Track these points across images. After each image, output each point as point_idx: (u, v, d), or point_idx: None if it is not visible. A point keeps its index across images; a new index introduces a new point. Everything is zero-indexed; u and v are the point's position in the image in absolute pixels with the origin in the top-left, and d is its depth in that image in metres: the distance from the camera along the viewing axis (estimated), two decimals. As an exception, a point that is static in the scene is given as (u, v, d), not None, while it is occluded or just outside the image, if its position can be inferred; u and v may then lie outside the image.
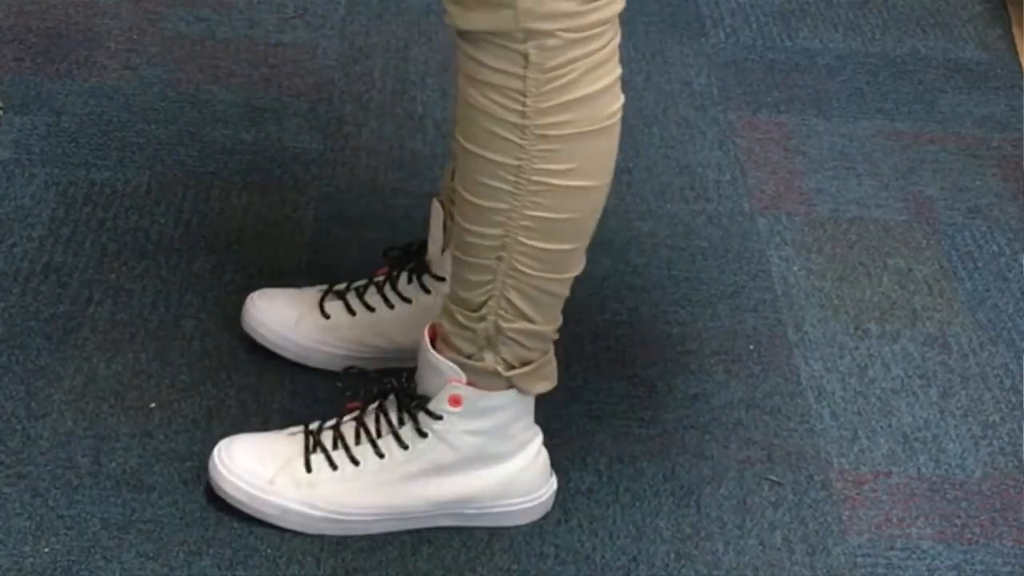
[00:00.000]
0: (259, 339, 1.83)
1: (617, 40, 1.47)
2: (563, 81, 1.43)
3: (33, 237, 2.01)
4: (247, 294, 1.87)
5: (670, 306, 1.99)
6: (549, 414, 1.70)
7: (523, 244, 1.50)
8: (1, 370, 1.81)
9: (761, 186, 2.22)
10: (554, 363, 1.62)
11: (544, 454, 1.67)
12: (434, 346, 1.60)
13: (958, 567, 1.68)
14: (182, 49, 2.41)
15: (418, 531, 1.65)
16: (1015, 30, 2.62)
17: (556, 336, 1.60)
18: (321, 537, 1.64)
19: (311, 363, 1.81)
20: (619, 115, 1.49)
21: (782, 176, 2.25)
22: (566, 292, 1.57)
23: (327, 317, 1.81)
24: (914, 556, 1.68)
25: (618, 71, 1.48)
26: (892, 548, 1.69)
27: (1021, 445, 1.83)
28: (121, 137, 2.21)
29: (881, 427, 1.84)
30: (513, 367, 1.58)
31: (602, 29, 1.43)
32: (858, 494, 1.75)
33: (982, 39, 2.61)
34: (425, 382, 1.61)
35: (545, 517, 1.69)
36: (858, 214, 2.19)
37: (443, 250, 1.74)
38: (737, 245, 2.11)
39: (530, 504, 1.67)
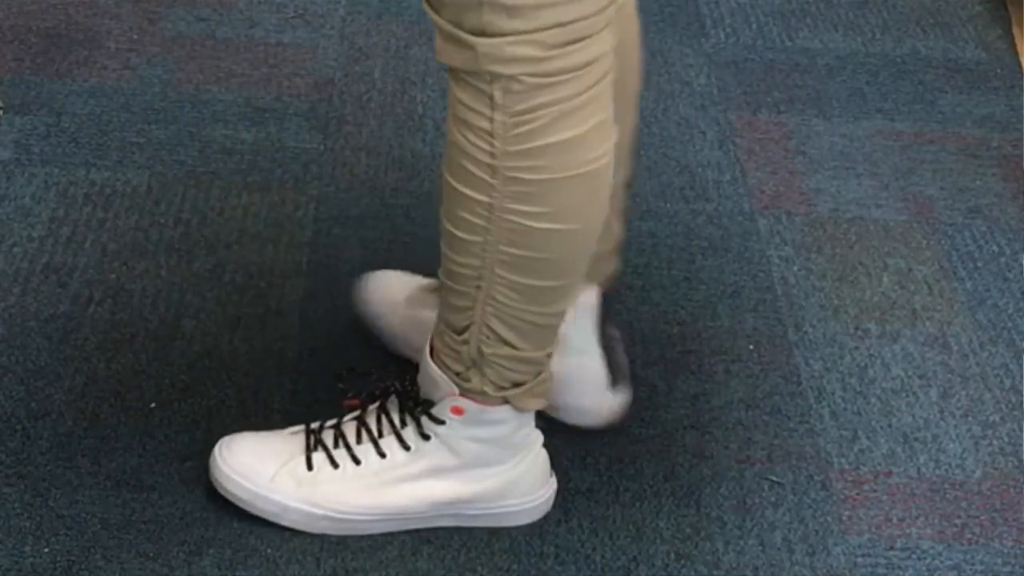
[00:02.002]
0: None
1: (600, 87, 1.42)
2: (530, 127, 1.40)
3: (33, 237, 2.01)
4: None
5: (670, 306, 1.99)
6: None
7: (501, 276, 1.49)
8: (1, 370, 1.81)
9: (761, 186, 2.22)
10: (548, 382, 1.61)
11: (544, 455, 1.67)
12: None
13: (958, 567, 1.68)
14: (182, 49, 2.41)
15: (418, 531, 1.65)
16: (1015, 30, 2.62)
17: (549, 359, 1.59)
18: (321, 537, 1.64)
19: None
20: (605, 159, 1.45)
21: (782, 176, 2.25)
22: (555, 323, 1.55)
23: None
24: (914, 556, 1.68)
25: (600, 116, 1.43)
26: (892, 548, 1.69)
27: (1021, 445, 1.83)
28: (121, 137, 2.21)
29: (881, 427, 1.84)
30: (503, 387, 1.57)
31: (571, 76, 1.39)
32: (858, 494, 1.75)
33: (982, 39, 2.61)
34: (427, 389, 1.61)
35: (545, 517, 1.69)
36: (858, 214, 2.19)
37: None
38: (737, 245, 2.11)
39: (531, 504, 1.67)
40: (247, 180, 2.14)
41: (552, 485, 1.69)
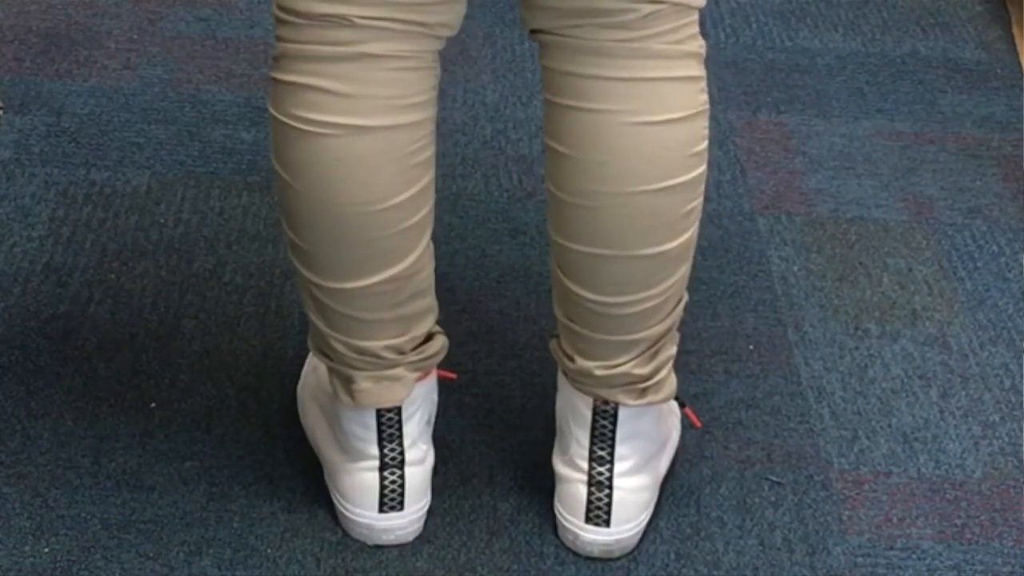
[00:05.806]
0: None
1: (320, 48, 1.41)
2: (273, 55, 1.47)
3: (33, 237, 2.01)
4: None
5: (670, 306, 1.99)
6: (550, 414, 1.70)
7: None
8: (1, 370, 1.81)
9: (761, 186, 2.22)
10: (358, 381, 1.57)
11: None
12: None
13: (958, 567, 1.68)
14: (182, 49, 2.41)
15: (418, 531, 1.65)
16: (1015, 30, 2.62)
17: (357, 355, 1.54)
18: (321, 537, 1.64)
19: None
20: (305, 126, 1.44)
21: (782, 176, 2.25)
22: (339, 307, 1.51)
23: None
24: (914, 556, 1.68)
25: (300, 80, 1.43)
26: (892, 548, 1.69)
27: (1021, 445, 1.83)
28: (121, 137, 2.21)
29: (881, 427, 1.84)
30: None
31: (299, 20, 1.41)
32: (858, 494, 1.75)
33: (982, 39, 2.61)
34: None
35: (545, 518, 1.69)
36: (858, 214, 2.19)
37: None
38: (737, 245, 2.11)
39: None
40: (247, 180, 2.15)
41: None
